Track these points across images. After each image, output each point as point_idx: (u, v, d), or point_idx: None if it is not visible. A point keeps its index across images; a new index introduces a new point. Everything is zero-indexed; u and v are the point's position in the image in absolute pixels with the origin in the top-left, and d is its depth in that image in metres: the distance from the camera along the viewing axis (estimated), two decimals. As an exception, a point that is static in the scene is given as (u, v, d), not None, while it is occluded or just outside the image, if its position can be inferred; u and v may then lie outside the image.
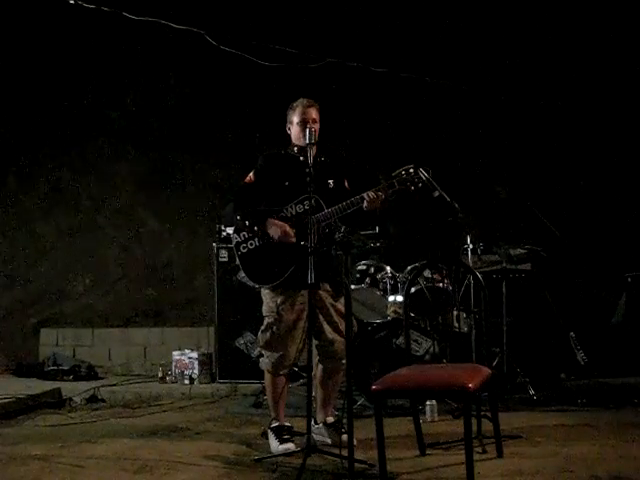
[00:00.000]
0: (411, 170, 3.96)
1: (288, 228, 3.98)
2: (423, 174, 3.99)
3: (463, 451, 3.17)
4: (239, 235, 4.12)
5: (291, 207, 4.06)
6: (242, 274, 4.26)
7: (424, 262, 5.25)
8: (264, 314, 4.10)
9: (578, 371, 5.59)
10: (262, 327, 4.09)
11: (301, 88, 4.68)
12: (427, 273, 5.27)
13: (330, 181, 4.10)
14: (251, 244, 4.09)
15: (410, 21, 6.70)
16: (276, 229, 3.98)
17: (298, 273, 3.80)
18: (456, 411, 4.56)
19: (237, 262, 4.15)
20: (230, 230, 6.03)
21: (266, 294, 4.10)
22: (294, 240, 3.97)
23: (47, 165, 7.46)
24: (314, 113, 4.11)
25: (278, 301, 4.02)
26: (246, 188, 4.14)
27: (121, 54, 7.13)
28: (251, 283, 4.24)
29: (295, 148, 4.14)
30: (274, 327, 4.02)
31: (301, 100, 4.15)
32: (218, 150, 7.18)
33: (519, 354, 5.39)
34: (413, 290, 5.04)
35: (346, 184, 4.19)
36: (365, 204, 3.92)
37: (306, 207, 3.90)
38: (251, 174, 4.17)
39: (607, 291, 6.08)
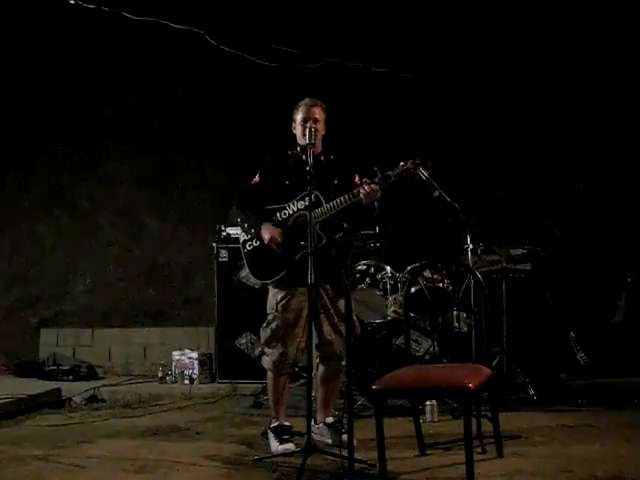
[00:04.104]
0: (410, 164, 3.94)
1: (277, 235, 4.00)
2: (423, 174, 3.98)
3: (463, 451, 3.17)
4: (246, 234, 4.18)
5: (293, 204, 4.08)
6: (242, 274, 4.28)
7: (424, 262, 5.25)
8: (267, 311, 4.13)
9: (578, 371, 5.59)
10: (264, 324, 4.12)
11: (301, 88, 4.69)
12: (427, 273, 5.27)
13: (335, 178, 4.09)
14: (255, 242, 4.13)
15: (410, 21, 6.70)
16: (266, 235, 4.02)
17: (298, 271, 3.81)
18: (456, 411, 4.56)
19: (243, 259, 4.20)
20: (231, 230, 6.10)
21: (270, 290, 4.14)
22: (279, 251, 3.99)
23: (47, 165, 7.46)
24: (317, 112, 4.12)
25: (278, 298, 4.05)
26: (250, 190, 4.20)
27: (121, 54, 7.13)
28: (252, 282, 4.26)
29: (298, 147, 4.14)
30: (273, 324, 4.05)
31: (305, 99, 4.17)
32: (218, 150, 7.18)
33: (519, 354, 5.40)
34: (413, 290, 5.05)
35: (357, 180, 4.17)
36: (362, 197, 3.91)
37: (306, 203, 3.91)
38: (257, 176, 4.20)
39: (607, 291, 6.08)
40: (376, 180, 3.90)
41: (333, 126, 4.29)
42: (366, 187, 3.89)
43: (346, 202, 3.93)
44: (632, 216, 6.39)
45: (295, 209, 4.07)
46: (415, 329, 5.08)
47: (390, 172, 3.92)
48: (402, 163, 3.94)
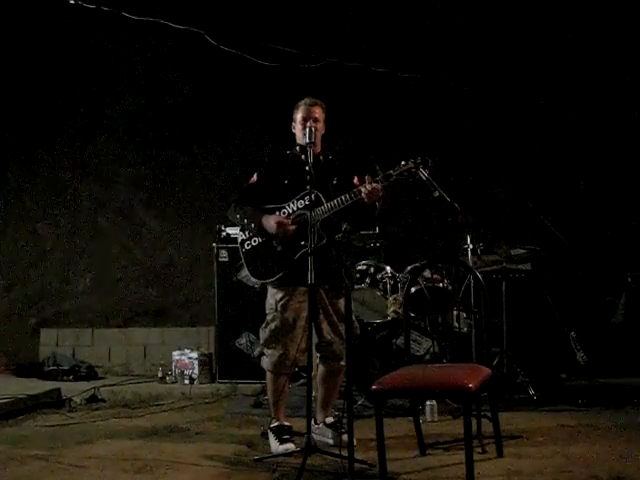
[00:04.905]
0: (411, 164, 3.92)
1: (283, 219, 3.99)
2: (423, 174, 3.97)
3: (463, 451, 3.17)
4: (244, 233, 4.16)
5: (292, 203, 4.07)
6: (242, 273, 4.28)
7: (424, 262, 5.25)
8: (266, 311, 4.12)
9: (578, 371, 5.59)
10: (263, 324, 4.11)
11: (301, 88, 4.68)
12: (427, 273, 5.28)
13: (334, 178, 4.08)
14: (254, 241, 4.11)
15: (410, 21, 6.70)
16: (272, 224, 3.99)
17: (297, 271, 3.80)
18: (456, 411, 4.56)
19: (241, 259, 4.17)
20: (231, 230, 6.10)
21: (269, 291, 4.13)
22: (292, 228, 3.96)
23: (47, 165, 7.46)
24: (317, 112, 4.11)
25: (277, 298, 4.04)
26: (248, 189, 4.19)
27: (121, 54, 7.13)
28: (251, 282, 4.25)
29: (298, 147, 4.14)
30: (272, 324, 4.04)
31: (305, 99, 4.16)
32: (218, 150, 7.18)
33: (519, 354, 5.40)
34: (413, 290, 5.06)
35: (355, 181, 4.17)
36: (364, 196, 3.90)
37: (306, 203, 3.90)
38: (255, 175, 4.19)
39: (607, 291, 6.08)
40: (378, 179, 3.89)
41: (333, 126, 4.29)
42: (368, 186, 3.88)
43: (347, 201, 3.91)
44: (632, 216, 6.40)
45: (295, 208, 4.06)
46: (415, 329, 5.08)
47: (392, 171, 3.91)
48: (403, 162, 3.92)
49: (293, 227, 3.98)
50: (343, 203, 3.91)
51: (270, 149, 4.31)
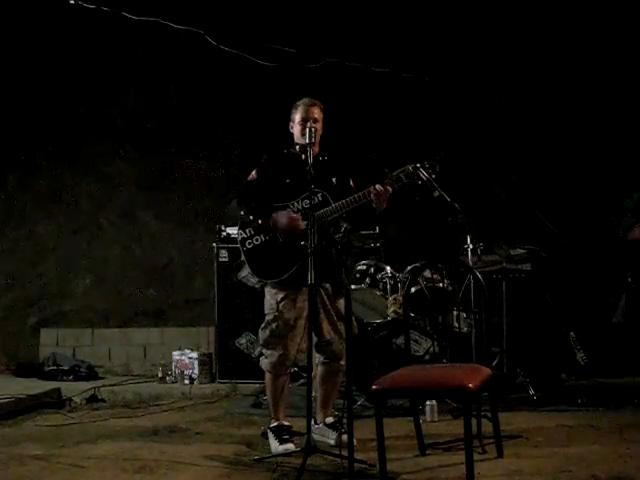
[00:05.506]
0: (418, 166, 3.93)
1: (295, 215, 3.98)
2: (423, 174, 3.98)
3: (463, 451, 3.17)
4: (244, 231, 4.11)
5: (297, 202, 4.05)
6: (242, 273, 4.25)
7: (424, 262, 5.26)
8: (265, 311, 4.10)
9: (578, 371, 5.59)
10: (262, 325, 4.09)
11: (301, 88, 4.68)
12: (427, 273, 5.28)
13: (333, 179, 4.09)
14: (257, 240, 4.07)
15: (410, 21, 6.70)
16: (282, 218, 3.96)
17: (301, 271, 3.79)
18: (456, 411, 4.56)
19: (242, 258, 4.13)
20: (231, 230, 6.09)
21: (268, 291, 4.10)
22: (303, 226, 3.91)
23: (47, 165, 7.45)
24: (316, 112, 4.12)
25: (279, 298, 4.02)
26: (249, 185, 4.15)
27: (121, 54, 7.13)
28: (252, 282, 4.23)
29: (297, 147, 4.13)
30: (274, 324, 4.02)
31: (304, 99, 4.17)
32: (218, 150, 7.17)
33: (519, 354, 5.40)
34: (413, 290, 5.06)
35: (351, 183, 4.17)
36: (373, 198, 3.89)
37: (314, 202, 3.89)
38: (254, 172, 4.18)
39: (607, 291, 6.08)
40: (386, 182, 3.90)
41: (333, 126, 4.29)
42: (378, 187, 3.88)
43: (356, 202, 3.92)
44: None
45: (300, 207, 4.04)
46: (415, 329, 5.08)
47: (402, 175, 3.92)
48: (411, 167, 3.93)
49: (304, 224, 3.93)
50: (352, 204, 3.91)
51: (265, 147, 4.29)
